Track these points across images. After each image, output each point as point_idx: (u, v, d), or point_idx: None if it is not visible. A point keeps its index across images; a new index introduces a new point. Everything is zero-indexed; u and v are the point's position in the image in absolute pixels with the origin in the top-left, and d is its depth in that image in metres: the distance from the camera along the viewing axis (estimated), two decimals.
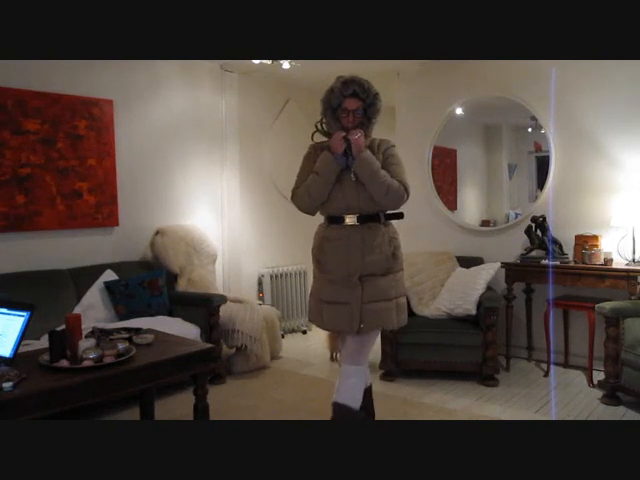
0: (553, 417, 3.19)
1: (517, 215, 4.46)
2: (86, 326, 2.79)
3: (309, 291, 2.63)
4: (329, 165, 2.36)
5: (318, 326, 2.53)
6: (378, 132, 2.54)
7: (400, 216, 2.49)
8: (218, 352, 3.65)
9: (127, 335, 2.69)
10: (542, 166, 4.31)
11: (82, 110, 3.87)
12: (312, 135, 2.72)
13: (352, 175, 2.36)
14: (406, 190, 2.39)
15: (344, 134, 2.34)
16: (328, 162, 2.36)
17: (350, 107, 2.35)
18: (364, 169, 2.33)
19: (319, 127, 2.68)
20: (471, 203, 4.90)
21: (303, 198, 2.44)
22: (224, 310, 3.89)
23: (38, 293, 3.33)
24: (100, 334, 2.61)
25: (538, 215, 4.09)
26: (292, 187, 2.51)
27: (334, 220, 2.43)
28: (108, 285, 3.75)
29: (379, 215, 2.42)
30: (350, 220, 2.38)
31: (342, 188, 2.38)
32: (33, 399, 2.01)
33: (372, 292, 2.36)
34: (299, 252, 5.29)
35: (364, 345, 2.45)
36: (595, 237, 3.85)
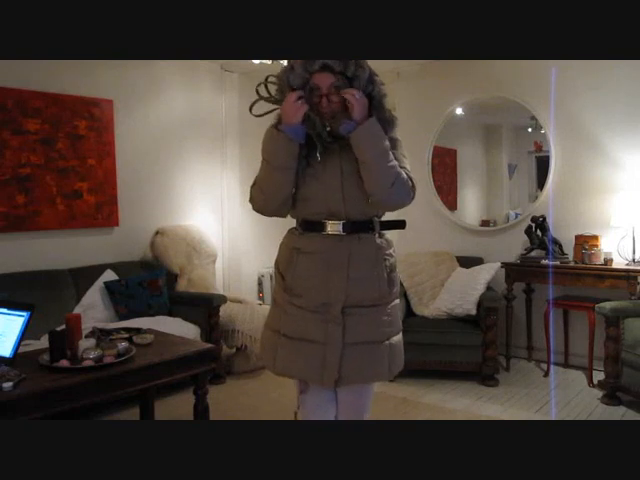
0: (553, 417, 3.19)
1: (517, 215, 4.46)
2: (86, 326, 2.79)
3: None
4: (280, 144, 1.67)
5: (268, 368, 1.78)
6: None
7: (402, 225, 1.86)
8: (218, 352, 3.65)
9: (127, 335, 2.69)
10: (542, 166, 4.31)
11: (82, 110, 3.87)
12: (250, 107, 1.80)
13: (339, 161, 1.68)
14: (413, 187, 1.74)
15: (301, 93, 1.62)
16: (278, 141, 1.66)
17: (321, 84, 1.61)
18: (369, 142, 1.61)
19: (262, 91, 1.75)
20: (471, 203, 4.90)
21: (256, 193, 1.78)
22: (224, 310, 3.89)
23: (38, 293, 3.33)
24: (100, 334, 2.61)
25: (538, 215, 4.09)
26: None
27: (311, 226, 1.73)
28: (108, 285, 3.75)
29: (373, 222, 1.74)
30: (333, 228, 1.70)
31: (322, 183, 1.69)
32: (33, 399, 2.01)
33: (358, 330, 1.67)
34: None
35: (359, 408, 1.74)
36: (595, 237, 3.85)
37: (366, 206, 1.71)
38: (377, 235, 1.75)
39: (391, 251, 1.80)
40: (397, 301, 1.81)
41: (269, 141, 1.71)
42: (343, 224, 1.70)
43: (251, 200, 1.80)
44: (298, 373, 1.70)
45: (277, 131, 1.67)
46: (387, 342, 1.73)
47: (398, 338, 1.80)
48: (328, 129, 1.65)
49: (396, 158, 1.70)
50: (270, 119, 1.79)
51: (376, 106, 1.65)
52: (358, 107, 1.59)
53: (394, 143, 1.72)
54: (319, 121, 1.65)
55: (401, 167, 1.70)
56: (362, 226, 1.72)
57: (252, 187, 1.80)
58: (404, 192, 1.70)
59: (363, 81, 1.61)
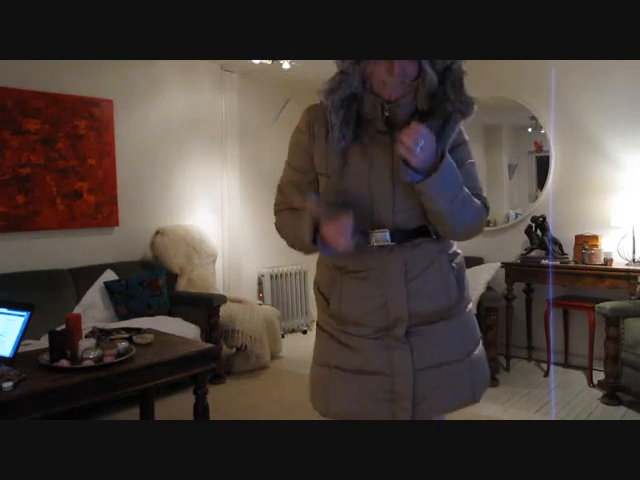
0: (553, 417, 3.19)
1: (517, 215, 4.46)
2: (86, 326, 2.80)
3: (310, 290, 1.70)
4: (305, 244, 1.41)
5: (320, 413, 1.44)
6: None
7: None
8: (218, 352, 3.65)
9: (127, 335, 2.69)
10: (542, 166, 4.31)
11: (82, 110, 3.87)
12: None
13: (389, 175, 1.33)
14: (487, 209, 1.46)
15: (350, 223, 1.27)
16: (303, 241, 1.40)
17: (394, 71, 1.25)
18: (440, 194, 1.30)
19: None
20: None
21: (284, 233, 1.54)
22: (224, 310, 3.89)
23: (38, 293, 3.33)
24: (100, 334, 2.61)
25: (538, 215, 4.09)
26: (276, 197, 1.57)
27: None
28: (108, 285, 3.75)
29: (427, 227, 1.40)
30: (379, 238, 1.36)
31: (365, 187, 1.35)
32: (33, 399, 2.01)
33: (429, 351, 1.38)
34: (299, 252, 5.28)
35: None
36: (595, 237, 3.85)
37: (422, 217, 1.37)
38: (435, 238, 1.41)
39: (455, 249, 1.50)
40: (471, 306, 1.54)
41: (291, 224, 1.46)
42: (391, 233, 1.36)
43: (279, 233, 1.57)
44: (362, 413, 1.35)
45: (306, 230, 1.35)
46: (467, 359, 1.44)
47: (479, 350, 1.51)
48: (386, 114, 1.30)
49: (470, 178, 1.40)
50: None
51: (455, 84, 1.30)
52: (418, 159, 1.23)
53: (465, 148, 1.43)
54: (376, 103, 1.31)
55: (475, 194, 1.40)
56: (415, 233, 1.39)
57: (278, 215, 1.55)
58: (480, 228, 1.48)
59: (455, 75, 1.30)
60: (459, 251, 1.53)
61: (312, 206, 1.32)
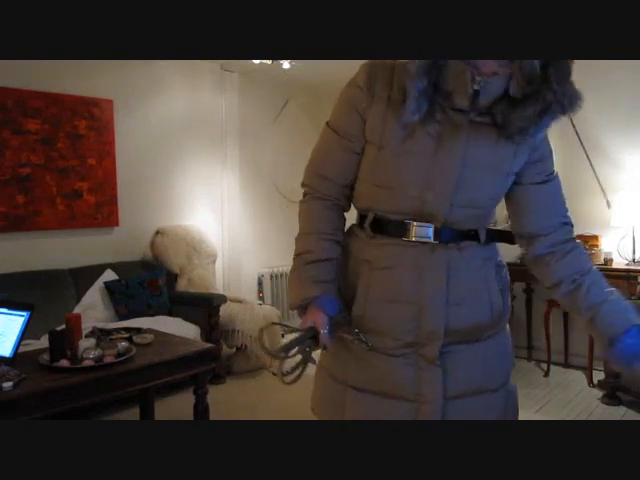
0: (553, 417, 3.19)
1: None
2: (86, 326, 2.79)
3: None
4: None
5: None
6: None
7: (510, 238, 1.32)
8: (218, 352, 3.65)
9: (127, 335, 2.69)
10: None
11: (82, 110, 3.87)
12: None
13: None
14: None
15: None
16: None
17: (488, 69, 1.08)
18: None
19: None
20: None
21: (302, 235, 1.28)
22: (224, 310, 3.89)
23: (38, 293, 3.33)
24: (100, 334, 2.61)
25: None
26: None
27: (387, 228, 1.20)
28: (108, 285, 3.75)
29: (477, 231, 1.22)
30: (420, 233, 1.17)
31: (425, 170, 1.15)
32: (33, 399, 2.01)
33: (464, 376, 1.19)
34: None
35: None
36: (595, 237, 3.85)
37: (479, 219, 1.21)
38: (483, 245, 1.24)
39: (501, 259, 1.31)
40: (508, 327, 1.34)
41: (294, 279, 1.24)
42: (436, 230, 1.17)
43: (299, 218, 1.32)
44: None
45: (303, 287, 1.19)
46: (503, 389, 1.25)
47: (513, 386, 1.31)
48: (476, 88, 1.09)
49: (561, 198, 1.27)
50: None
51: (561, 73, 1.11)
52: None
53: (552, 159, 1.26)
54: (465, 72, 1.08)
55: (564, 215, 1.28)
56: (462, 234, 1.21)
57: (303, 200, 1.30)
58: None
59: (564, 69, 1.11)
60: (505, 262, 1.32)
61: (320, 327, 1.14)
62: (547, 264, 1.25)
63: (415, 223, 1.17)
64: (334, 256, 1.23)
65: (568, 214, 1.29)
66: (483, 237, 1.23)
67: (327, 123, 1.25)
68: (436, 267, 1.17)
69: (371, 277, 1.21)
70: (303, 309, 1.19)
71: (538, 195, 1.23)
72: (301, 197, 1.30)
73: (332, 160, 1.24)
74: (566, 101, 1.14)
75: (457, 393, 1.17)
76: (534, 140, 1.18)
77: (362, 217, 1.25)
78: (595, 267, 1.30)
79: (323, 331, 1.13)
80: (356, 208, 1.29)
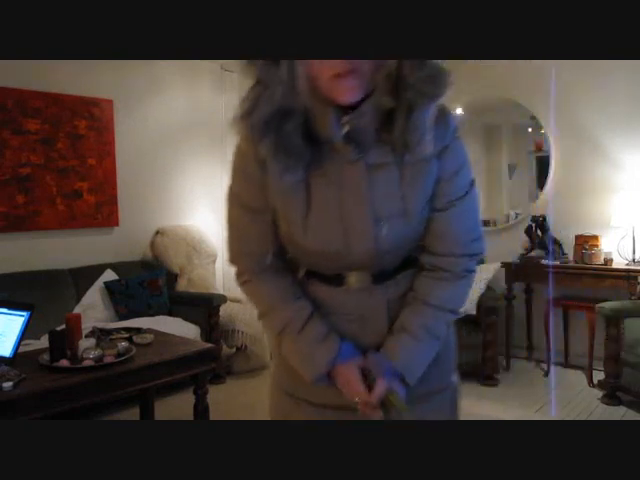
0: (553, 417, 3.19)
1: (517, 215, 4.46)
2: (86, 326, 2.80)
3: None
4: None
5: None
6: None
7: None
8: (218, 352, 3.65)
9: (127, 335, 2.69)
10: (542, 166, 4.31)
11: (82, 110, 3.87)
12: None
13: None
14: (474, 267, 1.13)
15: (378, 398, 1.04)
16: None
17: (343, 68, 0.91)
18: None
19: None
20: None
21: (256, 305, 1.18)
22: (224, 310, 3.89)
23: (38, 293, 3.33)
24: (100, 334, 2.61)
25: (538, 215, 4.09)
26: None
27: (322, 277, 1.13)
28: (108, 285, 3.75)
29: (414, 256, 1.13)
30: (359, 279, 1.10)
31: (335, 226, 1.03)
32: (33, 399, 2.01)
33: (415, 385, 1.11)
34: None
35: None
36: (595, 237, 3.85)
37: (412, 248, 1.12)
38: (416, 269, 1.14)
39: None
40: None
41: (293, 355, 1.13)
42: (373, 275, 1.10)
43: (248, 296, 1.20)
44: None
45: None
46: (448, 389, 1.21)
47: (456, 375, 1.23)
48: (346, 129, 0.94)
49: (468, 217, 1.10)
50: None
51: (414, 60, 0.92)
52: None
53: (464, 173, 1.07)
54: (326, 114, 0.94)
55: (470, 240, 1.09)
56: (398, 268, 1.12)
57: (243, 283, 1.17)
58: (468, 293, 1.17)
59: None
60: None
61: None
62: (418, 277, 1.12)
63: (350, 273, 1.09)
64: (312, 308, 1.11)
65: (472, 244, 1.10)
66: (422, 259, 1.12)
67: (230, 192, 1.12)
68: (377, 313, 1.11)
69: (321, 312, 1.13)
70: (328, 377, 1.07)
71: (434, 220, 1.07)
72: (235, 276, 1.18)
73: (252, 236, 1.10)
74: (429, 87, 0.94)
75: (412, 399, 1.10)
76: (430, 155, 0.99)
77: (292, 263, 1.16)
78: (450, 312, 1.11)
79: (359, 391, 1.04)
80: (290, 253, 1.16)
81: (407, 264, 1.12)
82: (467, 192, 1.07)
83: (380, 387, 1.03)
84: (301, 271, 1.14)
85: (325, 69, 0.91)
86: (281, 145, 0.96)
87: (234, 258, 1.16)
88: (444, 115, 1.01)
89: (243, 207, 1.09)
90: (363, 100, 0.94)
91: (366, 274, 1.09)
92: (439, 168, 1.03)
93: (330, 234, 1.03)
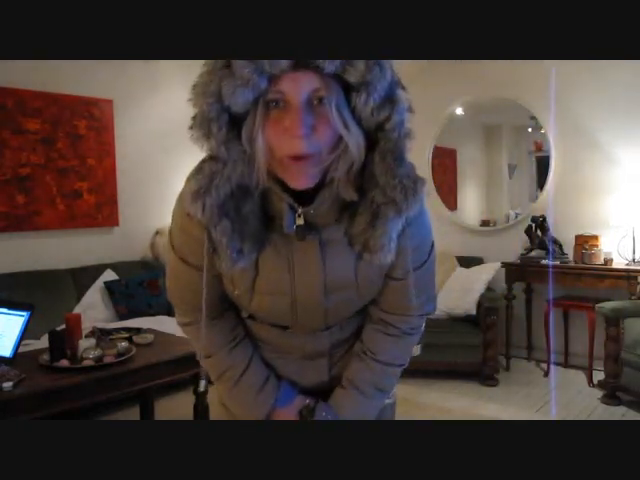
0: (553, 417, 3.19)
1: (517, 215, 4.47)
2: (86, 326, 2.80)
3: None
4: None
5: None
6: None
7: None
8: None
9: (127, 335, 2.69)
10: (542, 166, 4.32)
11: (82, 110, 3.87)
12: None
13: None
14: (423, 324, 1.14)
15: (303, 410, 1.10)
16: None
17: (292, 91, 0.82)
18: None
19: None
20: (471, 203, 4.90)
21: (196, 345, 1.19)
22: None
23: (38, 293, 3.33)
24: (100, 334, 2.61)
25: (538, 215, 4.09)
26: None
27: (264, 323, 1.10)
28: (108, 285, 3.75)
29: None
30: (304, 330, 1.08)
31: (284, 294, 0.99)
32: (33, 399, 2.01)
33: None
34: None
35: None
36: (595, 237, 3.85)
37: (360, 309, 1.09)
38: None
39: None
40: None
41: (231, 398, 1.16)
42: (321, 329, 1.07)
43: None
44: None
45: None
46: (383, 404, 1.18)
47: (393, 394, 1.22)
48: (301, 222, 0.91)
49: (417, 284, 1.03)
50: None
51: (387, 157, 0.85)
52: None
53: (420, 251, 1.02)
54: (282, 204, 0.91)
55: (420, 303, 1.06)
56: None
57: (184, 327, 1.18)
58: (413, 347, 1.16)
59: (377, 94, 0.83)
60: None
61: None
62: (367, 329, 1.11)
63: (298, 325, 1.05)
64: (252, 353, 1.11)
65: (425, 303, 1.08)
66: (372, 312, 1.10)
67: (171, 246, 1.04)
68: (319, 355, 1.10)
69: (264, 349, 1.12)
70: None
71: (392, 288, 1.04)
72: (177, 316, 1.16)
73: (190, 288, 1.03)
74: (399, 196, 0.86)
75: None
76: (386, 255, 0.93)
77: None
78: (397, 366, 1.12)
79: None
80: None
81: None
82: (426, 260, 1.03)
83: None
84: (244, 314, 1.11)
85: (284, 147, 0.83)
86: (237, 229, 0.89)
87: (174, 301, 1.12)
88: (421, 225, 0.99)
89: (184, 262, 1.01)
90: (320, 187, 0.88)
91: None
92: (397, 247, 0.95)
93: (277, 304, 1.00)
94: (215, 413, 1.28)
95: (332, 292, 0.98)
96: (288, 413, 1.09)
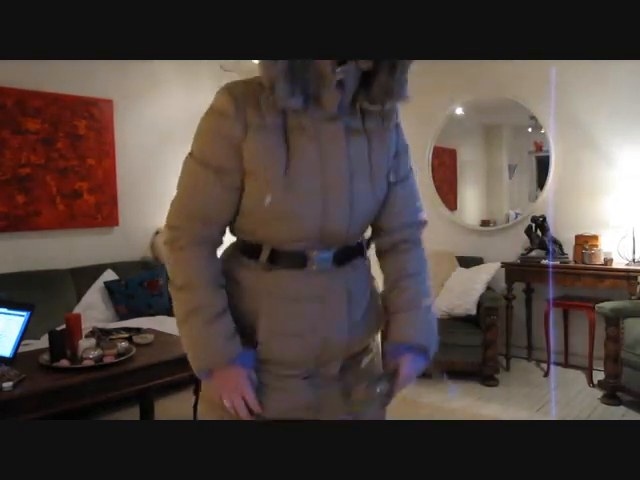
0: (553, 417, 3.19)
1: (517, 215, 4.46)
2: (86, 326, 2.79)
3: None
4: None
5: None
6: None
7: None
8: None
9: (127, 335, 2.69)
10: (542, 166, 4.31)
11: (82, 110, 3.87)
12: None
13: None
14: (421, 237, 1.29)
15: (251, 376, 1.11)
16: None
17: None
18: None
19: None
20: (471, 203, 4.90)
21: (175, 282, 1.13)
22: None
23: (38, 293, 3.33)
24: (100, 334, 2.61)
25: (538, 215, 4.09)
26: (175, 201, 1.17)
27: (285, 260, 1.11)
28: (108, 285, 3.75)
29: (362, 244, 1.21)
30: (322, 260, 1.11)
31: (314, 191, 1.06)
32: (33, 399, 2.01)
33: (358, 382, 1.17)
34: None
35: None
36: (595, 237, 3.85)
37: (365, 229, 1.21)
38: (365, 257, 1.22)
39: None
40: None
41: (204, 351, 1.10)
42: (335, 253, 1.12)
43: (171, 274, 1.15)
44: None
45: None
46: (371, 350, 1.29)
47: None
48: (339, 78, 1.02)
49: (414, 195, 1.23)
50: None
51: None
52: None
53: (408, 155, 1.23)
54: (326, 66, 1.02)
55: (415, 213, 1.24)
56: (355, 250, 1.18)
57: (170, 246, 1.13)
58: None
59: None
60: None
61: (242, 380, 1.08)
62: (385, 261, 1.26)
63: (315, 252, 1.10)
64: (226, 304, 1.11)
65: (420, 213, 1.25)
66: (366, 249, 1.22)
67: (191, 156, 1.12)
68: (338, 296, 1.14)
69: (275, 309, 1.11)
70: (209, 372, 1.09)
71: (392, 194, 1.19)
72: (168, 240, 1.13)
73: (209, 200, 1.09)
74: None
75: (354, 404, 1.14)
76: (393, 126, 1.18)
77: (250, 247, 1.14)
78: (425, 272, 1.26)
79: (249, 397, 1.07)
80: (239, 237, 1.18)
81: (359, 251, 1.19)
82: (411, 169, 1.24)
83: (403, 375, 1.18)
84: (263, 254, 1.12)
85: None
86: (291, 70, 1.01)
87: (179, 220, 1.13)
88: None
89: (209, 168, 1.08)
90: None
91: (328, 254, 1.12)
92: (396, 141, 1.19)
93: (309, 189, 1.06)
94: (203, 410, 1.28)
95: (355, 179, 1.09)
96: (242, 374, 1.08)
